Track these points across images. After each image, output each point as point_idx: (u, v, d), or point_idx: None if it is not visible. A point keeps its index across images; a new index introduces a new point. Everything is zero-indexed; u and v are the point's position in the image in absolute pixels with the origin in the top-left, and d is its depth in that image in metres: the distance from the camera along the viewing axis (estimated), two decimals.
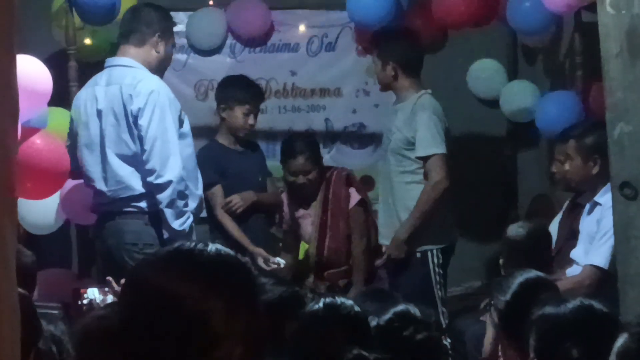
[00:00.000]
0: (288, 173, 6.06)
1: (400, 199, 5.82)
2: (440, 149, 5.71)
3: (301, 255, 6.45)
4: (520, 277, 3.56)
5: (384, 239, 5.95)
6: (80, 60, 6.09)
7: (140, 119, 5.00)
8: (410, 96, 5.85)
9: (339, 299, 2.92)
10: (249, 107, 5.99)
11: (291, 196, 6.15)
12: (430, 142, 5.70)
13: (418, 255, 5.78)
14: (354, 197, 6.05)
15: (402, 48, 5.93)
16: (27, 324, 2.28)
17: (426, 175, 5.74)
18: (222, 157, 5.90)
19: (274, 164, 6.86)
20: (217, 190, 5.95)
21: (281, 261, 5.88)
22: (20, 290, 2.22)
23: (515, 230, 5.09)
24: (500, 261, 5.06)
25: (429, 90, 5.96)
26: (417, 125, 5.73)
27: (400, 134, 5.81)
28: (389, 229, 5.90)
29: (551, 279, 3.73)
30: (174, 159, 4.99)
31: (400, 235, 5.77)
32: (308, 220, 6.11)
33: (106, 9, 5.84)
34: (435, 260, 5.77)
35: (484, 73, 7.07)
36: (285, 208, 6.20)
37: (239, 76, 6.23)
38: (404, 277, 5.83)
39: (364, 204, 6.08)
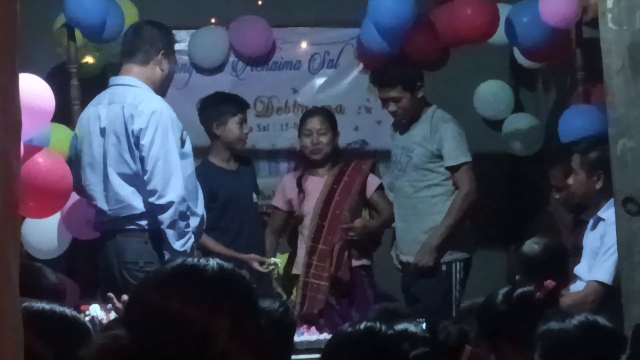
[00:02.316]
0: (303, 136, 6.18)
1: (426, 214, 5.86)
2: (468, 157, 5.84)
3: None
4: (503, 289, 3.58)
5: (405, 256, 5.99)
6: (82, 78, 6.10)
7: (142, 139, 4.99)
8: (426, 112, 5.95)
9: (379, 325, 2.84)
10: (241, 116, 6.07)
11: (303, 165, 6.26)
12: (458, 151, 5.82)
13: (444, 267, 5.84)
14: (374, 182, 6.20)
15: (417, 69, 6.04)
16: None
17: (455, 185, 5.83)
18: (215, 178, 5.88)
19: (276, 180, 6.86)
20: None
21: (277, 260, 5.90)
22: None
23: (530, 246, 5.10)
24: (517, 277, 5.04)
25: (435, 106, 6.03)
26: (442, 136, 5.83)
27: (422, 149, 5.88)
28: (411, 247, 5.93)
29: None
30: (175, 179, 4.98)
31: (432, 242, 5.81)
32: (313, 195, 6.13)
33: (107, 28, 5.87)
34: (459, 276, 5.85)
35: (491, 95, 7.07)
36: (291, 182, 6.24)
37: (216, 93, 6.28)
38: (425, 290, 5.84)
39: (382, 188, 6.22)
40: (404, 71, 5.99)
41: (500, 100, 7.07)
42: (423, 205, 5.88)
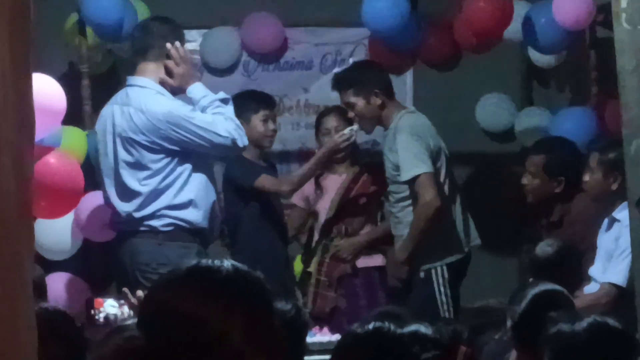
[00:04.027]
0: (321, 135, 6.11)
1: (403, 223, 5.73)
2: (423, 168, 5.55)
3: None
4: (535, 288, 3.57)
5: None
6: (92, 76, 6.10)
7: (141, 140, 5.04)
8: (393, 119, 5.73)
9: (387, 324, 2.83)
10: (264, 112, 5.97)
11: None
12: (412, 163, 5.55)
13: (422, 275, 5.69)
14: None
15: (376, 73, 5.86)
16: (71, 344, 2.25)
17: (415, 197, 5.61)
18: (252, 169, 5.88)
19: None
20: (264, 177, 5.84)
21: (354, 127, 5.82)
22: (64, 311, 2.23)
23: (543, 248, 5.04)
24: (530, 280, 4.98)
25: (411, 108, 5.88)
26: (397, 148, 5.60)
27: (388, 162, 5.72)
28: None
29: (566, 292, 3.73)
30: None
31: (398, 256, 5.71)
32: (330, 192, 6.12)
33: (113, 25, 5.88)
34: (440, 280, 5.66)
35: (492, 107, 7.05)
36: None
37: (246, 91, 6.26)
38: (408, 298, 5.77)
39: None
40: (357, 74, 5.82)
41: (501, 113, 7.04)
42: (402, 214, 5.73)
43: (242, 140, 5.10)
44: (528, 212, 7.01)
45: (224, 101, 5.19)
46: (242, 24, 6.79)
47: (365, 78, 5.78)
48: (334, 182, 6.17)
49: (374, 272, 6.12)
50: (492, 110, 7.04)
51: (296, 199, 6.33)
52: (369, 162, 6.24)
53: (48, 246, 5.67)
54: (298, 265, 6.44)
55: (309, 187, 6.22)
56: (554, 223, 5.62)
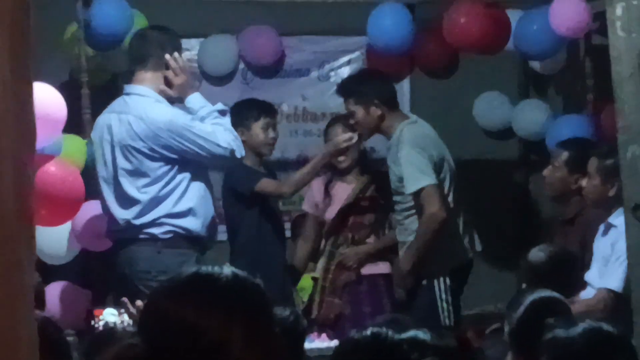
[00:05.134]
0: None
1: (409, 230, 5.76)
2: (427, 180, 5.59)
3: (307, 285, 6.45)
4: (533, 295, 3.59)
5: None
6: (93, 87, 6.11)
7: (141, 147, 5.05)
8: (395, 131, 5.76)
9: (385, 330, 2.84)
10: (265, 120, 6.01)
11: (331, 169, 6.21)
12: (416, 176, 5.59)
13: (424, 282, 5.72)
14: None
15: (379, 84, 5.87)
16: (56, 351, 2.28)
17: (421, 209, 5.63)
18: (252, 175, 5.91)
19: None
20: (265, 180, 5.92)
21: (354, 135, 5.85)
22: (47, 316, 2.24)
23: (536, 254, 5.03)
24: (523, 286, 4.98)
25: (413, 118, 5.88)
26: (401, 162, 5.63)
27: (392, 173, 5.75)
28: None
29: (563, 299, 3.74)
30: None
31: (403, 267, 5.74)
32: (339, 201, 6.14)
33: (118, 36, 5.89)
34: (442, 287, 5.68)
35: (489, 106, 7.07)
36: (319, 185, 6.20)
37: (247, 99, 6.30)
38: (410, 306, 5.78)
39: None
40: (358, 84, 5.86)
41: (498, 112, 7.06)
42: (408, 222, 5.76)
43: (240, 152, 5.13)
44: (530, 213, 7.07)
45: (222, 112, 5.21)
46: (240, 36, 6.80)
47: (366, 88, 5.81)
48: (343, 191, 6.19)
49: (379, 280, 6.13)
50: (490, 106, 7.07)
51: (306, 206, 6.36)
52: (378, 171, 6.24)
53: (43, 250, 5.66)
54: (307, 281, 6.43)
55: (318, 194, 6.24)
56: (567, 220, 5.65)
